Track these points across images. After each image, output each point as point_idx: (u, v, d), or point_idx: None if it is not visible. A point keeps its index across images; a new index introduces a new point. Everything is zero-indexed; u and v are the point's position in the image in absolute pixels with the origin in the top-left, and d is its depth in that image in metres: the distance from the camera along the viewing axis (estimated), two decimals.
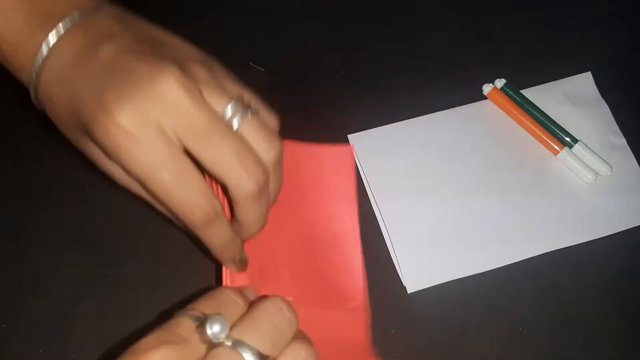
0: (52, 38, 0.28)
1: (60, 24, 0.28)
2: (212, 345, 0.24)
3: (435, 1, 0.49)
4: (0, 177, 0.42)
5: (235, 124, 0.27)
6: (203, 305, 0.26)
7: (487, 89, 0.45)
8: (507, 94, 0.45)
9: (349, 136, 0.44)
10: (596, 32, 0.48)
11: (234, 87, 0.29)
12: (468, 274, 0.40)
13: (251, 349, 0.24)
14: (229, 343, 0.24)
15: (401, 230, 0.41)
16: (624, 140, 0.44)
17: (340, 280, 0.37)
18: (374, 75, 0.46)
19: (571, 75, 0.46)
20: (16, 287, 0.38)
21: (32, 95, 0.29)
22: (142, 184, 0.27)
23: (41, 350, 0.37)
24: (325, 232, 0.38)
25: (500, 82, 0.45)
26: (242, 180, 0.27)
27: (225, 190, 0.28)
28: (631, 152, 0.44)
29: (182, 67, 0.27)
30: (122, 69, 0.27)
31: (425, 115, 0.44)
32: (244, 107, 0.28)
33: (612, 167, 0.42)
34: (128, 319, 0.38)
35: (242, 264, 0.33)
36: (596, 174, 0.42)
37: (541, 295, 0.39)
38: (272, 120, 0.31)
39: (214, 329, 0.24)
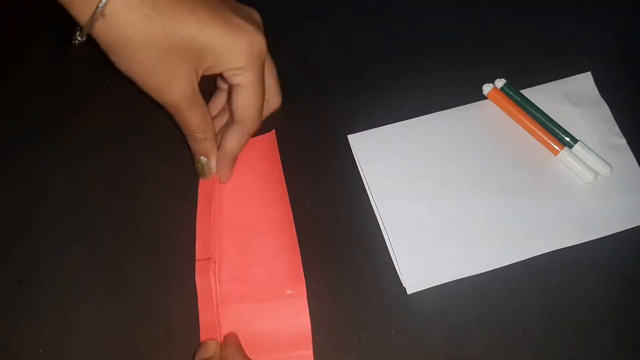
0: None
1: None
2: None
3: (435, 1, 0.49)
4: None
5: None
6: None
7: (487, 89, 0.45)
8: (507, 94, 0.45)
9: (349, 136, 0.44)
10: (596, 32, 0.48)
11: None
12: (468, 275, 0.40)
13: None
14: None
15: (401, 231, 0.41)
16: (624, 140, 0.44)
17: (278, 268, 0.38)
18: (374, 75, 0.46)
19: (571, 75, 0.46)
20: (16, 287, 0.38)
21: (87, 29, 0.31)
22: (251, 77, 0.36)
23: (41, 350, 0.37)
24: (260, 221, 0.40)
25: (500, 82, 0.45)
26: (278, 101, 0.42)
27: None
28: (631, 152, 0.44)
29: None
30: (216, 11, 0.33)
31: (425, 115, 0.44)
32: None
33: (612, 167, 0.42)
34: (128, 319, 0.38)
35: (208, 168, 0.40)
36: (596, 174, 0.42)
37: (541, 296, 0.39)
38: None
39: None
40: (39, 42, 0.46)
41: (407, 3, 0.49)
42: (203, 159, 0.39)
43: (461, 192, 0.42)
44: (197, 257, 0.39)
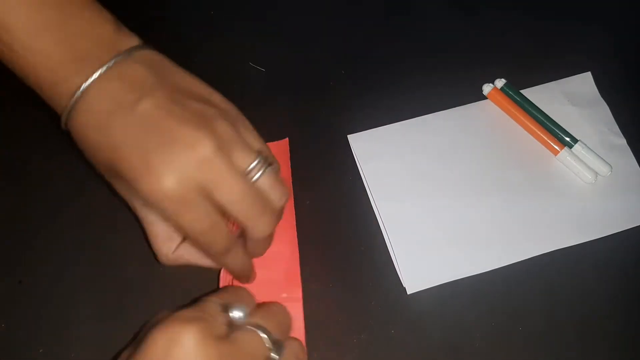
0: (88, 83, 0.30)
1: (97, 72, 0.30)
2: (232, 327, 0.29)
3: (435, 1, 0.49)
4: (0, 177, 0.42)
5: (256, 177, 0.32)
6: (224, 295, 0.32)
7: (487, 89, 0.45)
8: (507, 94, 0.45)
9: (349, 136, 0.44)
10: (596, 32, 0.48)
11: (256, 141, 0.33)
12: (468, 275, 0.40)
13: (267, 332, 0.29)
14: (249, 326, 0.29)
15: (401, 231, 0.41)
16: (624, 140, 0.44)
17: (275, 270, 0.38)
18: (374, 75, 0.46)
19: (571, 75, 0.46)
20: (16, 287, 0.38)
21: (62, 125, 0.32)
22: (178, 229, 0.33)
23: (41, 350, 0.37)
24: None
25: (500, 82, 0.45)
26: (261, 229, 0.32)
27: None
28: (631, 152, 0.44)
29: (213, 126, 0.30)
30: (162, 128, 0.30)
31: (425, 115, 0.45)
32: (265, 163, 0.32)
33: (612, 167, 0.42)
34: (128, 319, 0.38)
35: (251, 275, 0.38)
36: (596, 174, 0.42)
37: (541, 295, 0.39)
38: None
39: (236, 314, 0.30)
40: None
41: (407, 3, 0.49)
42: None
43: (461, 192, 0.42)
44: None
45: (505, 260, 0.40)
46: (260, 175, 0.32)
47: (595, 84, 0.46)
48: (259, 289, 0.37)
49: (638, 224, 0.41)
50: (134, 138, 0.30)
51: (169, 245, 0.36)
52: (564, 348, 0.38)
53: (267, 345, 0.29)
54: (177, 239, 0.37)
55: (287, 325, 0.33)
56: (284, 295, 0.38)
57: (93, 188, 0.41)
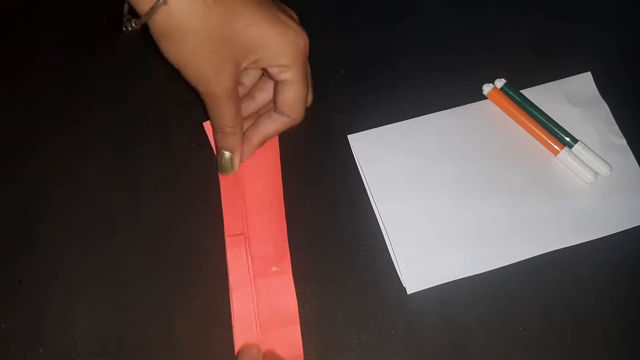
0: None
1: None
2: None
3: (435, 1, 0.49)
4: None
5: None
6: None
7: (487, 89, 0.45)
8: (507, 94, 0.45)
9: (349, 136, 0.44)
10: (596, 32, 0.48)
11: None
12: (468, 275, 0.40)
13: None
14: None
15: (401, 231, 0.41)
16: (624, 140, 0.44)
17: (265, 246, 0.40)
18: (374, 75, 0.46)
19: (571, 75, 0.46)
20: (16, 287, 0.38)
21: (149, 15, 0.32)
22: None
23: (41, 350, 0.37)
24: (255, 202, 0.41)
25: (500, 82, 0.45)
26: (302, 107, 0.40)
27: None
28: (631, 152, 0.44)
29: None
30: (267, 9, 0.35)
31: (425, 115, 0.44)
32: None
33: (612, 167, 0.42)
34: (128, 319, 0.38)
35: (227, 162, 0.40)
36: (596, 174, 0.42)
37: (541, 295, 0.39)
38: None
39: None
40: (43, 39, 0.46)
41: (407, 3, 0.49)
42: (227, 154, 0.40)
43: (461, 192, 0.42)
44: (227, 234, 0.40)
45: (505, 260, 0.40)
46: None
47: (595, 84, 0.46)
48: (250, 264, 0.39)
49: (638, 224, 0.41)
50: (258, 4, 0.34)
51: None
52: (564, 348, 0.38)
53: None
54: None
55: None
56: (274, 268, 0.39)
57: (93, 188, 0.42)
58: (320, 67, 0.46)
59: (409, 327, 0.38)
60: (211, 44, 0.33)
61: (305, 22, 0.44)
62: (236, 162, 0.40)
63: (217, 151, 0.40)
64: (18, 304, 0.38)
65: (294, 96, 0.38)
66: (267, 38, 0.35)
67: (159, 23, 0.32)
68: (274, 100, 0.39)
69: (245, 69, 0.36)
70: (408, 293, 0.39)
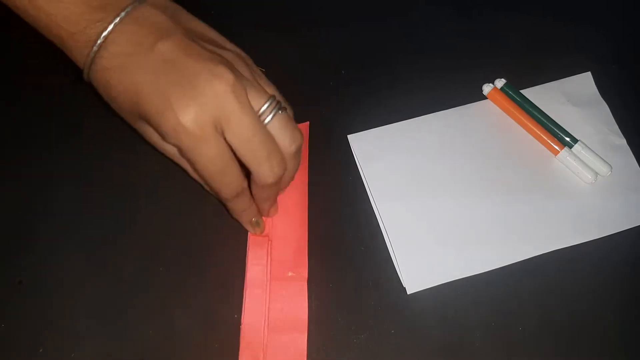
0: (109, 29, 0.31)
1: (117, 18, 0.31)
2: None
3: (435, 1, 0.49)
4: (0, 177, 0.42)
5: (268, 119, 0.33)
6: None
7: (487, 89, 0.45)
8: (507, 94, 0.45)
9: (349, 136, 0.44)
10: (596, 32, 0.48)
11: (269, 87, 0.35)
12: (468, 275, 0.40)
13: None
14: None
15: (401, 231, 0.41)
16: (624, 140, 0.44)
17: (285, 250, 0.40)
18: (374, 75, 0.46)
19: (571, 75, 0.46)
20: (16, 287, 0.38)
21: (85, 76, 0.33)
22: (192, 166, 0.33)
23: (41, 350, 0.37)
24: (281, 204, 0.41)
25: (500, 82, 0.45)
26: (266, 174, 0.33)
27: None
28: (631, 152, 0.44)
29: (230, 64, 0.32)
30: (180, 67, 0.31)
31: (425, 115, 0.44)
32: (277, 106, 0.33)
33: (612, 167, 0.42)
34: (128, 319, 0.38)
35: (257, 226, 0.39)
36: (596, 174, 0.42)
37: (541, 295, 0.39)
38: (291, 114, 0.36)
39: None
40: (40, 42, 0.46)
41: (407, 3, 0.49)
42: (254, 220, 0.39)
43: (461, 192, 0.42)
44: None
45: (505, 260, 0.40)
46: (272, 118, 0.33)
47: (595, 84, 0.46)
48: (270, 267, 0.39)
49: (638, 224, 0.41)
50: (154, 77, 0.31)
51: None
52: (564, 348, 0.38)
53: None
54: None
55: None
56: (290, 274, 0.39)
57: (93, 188, 0.42)
58: (320, 67, 0.46)
59: (409, 327, 0.38)
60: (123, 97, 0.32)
61: (305, 22, 0.44)
62: (261, 223, 0.39)
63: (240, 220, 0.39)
64: (18, 304, 0.38)
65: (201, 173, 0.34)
66: (148, 108, 0.32)
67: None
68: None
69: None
70: (408, 293, 0.39)
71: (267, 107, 0.33)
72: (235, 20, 0.48)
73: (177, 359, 0.37)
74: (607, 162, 0.42)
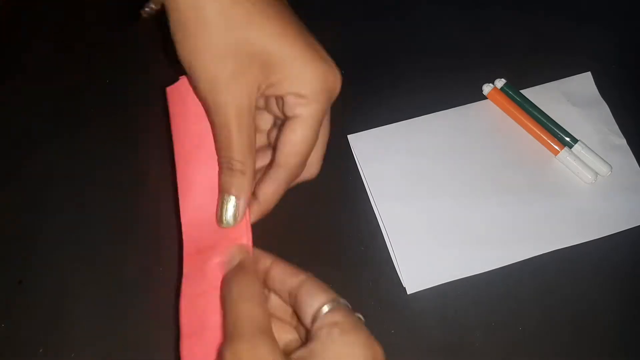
0: None
1: None
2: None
3: (435, 1, 0.49)
4: (0, 177, 0.42)
5: None
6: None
7: (487, 89, 0.45)
8: (507, 94, 0.45)
9: (349, 136, 0.44)
10: (596, 32, 0.48)
11: None
12: (468, 275, 0.40)
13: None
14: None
15: (401, 231, 0.41)
16: (624, 140, 0.44)
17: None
18: (374, 75, 0.46)
19: (571, 75, 0.46)
20: (16, 287, 0.38)
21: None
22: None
23: (41, 350, 0.37)
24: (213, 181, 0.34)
25: (500, 82, 0.45)
26: (299, 159, 0.32)
27: None
28: (631, 152, 0.44)
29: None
30: (302, 34, 0.30)
31: (425, 115, 0.44)
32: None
33: (612, 167, 0.42)
34: (128, 319, 0.38)
35: (234, 213, 0.32)
36: (596, 174, 0.42)
37: (541, 295, 0.39)
38: None
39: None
40: (41, 41, 0.46)
41: (407, 3, 0.49)
42: (233, 198, 0.31)
43: (461, 192, 0.42)
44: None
45: (505, 260, 0.40)
46: None
47: (595, 84, 0.46)
48: (210, 243, 0.33)
49: (638, 224, 0.41)
50: (287, 23, 0.30)
51: None
52: (564, 348, 0.38)
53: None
54: None
55: None
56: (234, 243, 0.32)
57: (94, 189, 0.42)
58: None
59: (409, 327, 0.38)
60: (229, 45, 0.29)
61: (305, 22, 0.44)
62: (241, 209, 0.32)
63: (220, 195, 0.32)
64: (18, 304, 0.38)
65: (297, 138, 0.31)
66: (288, 59, 0.29)
67: (178, 11, 0.28)
68: (274, 145, 0.33)
69: (264, 96, 0.31)
70: (408, 293, 0.39)
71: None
72: None
73: (176, 359, 0.37)
74: (607, 162, 0.42)
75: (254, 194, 0.33)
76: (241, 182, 0.31)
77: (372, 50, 0.47)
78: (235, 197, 0.32)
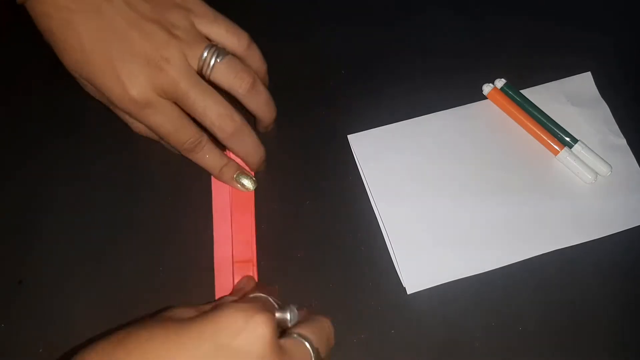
0: None
1: None
2: (280, 329, 0.29)
3: (435, 1, 0.49)
4: (0, 177, 0.42)
5: (208, 71, 0.36)
6: (272, 295, 0.32)
7: (487, 89, 0.45)
8: (507, 94, 0.45)
9: (349, 136, 0.44)
10: (596, 32, 0.48)
11: (213, 29, 0.37)
12: (468, 275, 0.40)
13: (312, 345, 0.29)
14: (295, 335, 0.29)
15: (401, 231, 0.41)
16: (624, 140, 0.44)
17: (234, 240, 0.40)
18: (374, 75, 0.46)
19: (571, 75, 0.46)
20: (16, 287, 0.38)
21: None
22: (148, 128, 0.38)
23: (41, 350, 0.37)
24: (227, 197, 0.41)
25: (500, 82, 0.45)
26: (218, 128, 0.36)
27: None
28: (631, 152, 0.44)
29: (168, 28, 0.35)
30: (123, 36, 0.34)
31: (425, 115, 0.44)
32: (215, 54, 0.35)
33: (612, 167, 0.42)
34: (128, 319, 0.38)
35: (242, 182, 0.40)
36: (596, 174, 0.42)
37: (541, 296, 0.39)
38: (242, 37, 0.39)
39: (291, 316, 0.30)
40: (41, 41, 0.46)
41: (407, 3, 0.49)
42: (236, 176, 0.39)
43: (461, 192, 0.42)
44: (235, 260, 0.39)
45: (505, 260, 0.40)
46: (212, 69, 0.35)
47: (595, 84, 0.46)
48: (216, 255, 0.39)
49: (638, 224, 0.41)
50: (100, 43, 0.34)
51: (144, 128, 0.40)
52: (564, 348, 0.38)
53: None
54: None
55: (331, 341, 0.32)
56: (239, 259, 0.39)
57: (93, 189, 0.42)
58: (320, 67, 0.46)
59: (409, 327, 0.38)
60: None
61: (306, 22, 0.44)
62: (248, 180, 0.40)
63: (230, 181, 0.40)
64: (18, 304, 0.38)
65: (256, 105, 0.38)
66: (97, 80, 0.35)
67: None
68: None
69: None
70: (408, 293, 0.39)
71: (205, 57, 0.35)
72: (235, 20, 0.48)
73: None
74: (607, 162, 0.42)
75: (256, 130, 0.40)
76: (212, 159, 0.39)
77: (372, 50, 0.47)
78: (228, 178, 0.39)
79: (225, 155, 0.40)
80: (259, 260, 0.40)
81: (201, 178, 0.42)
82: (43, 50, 0.46)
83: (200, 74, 0.36)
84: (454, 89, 0.45)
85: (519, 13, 0.49)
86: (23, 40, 0.46)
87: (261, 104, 0.39)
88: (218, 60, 0.35)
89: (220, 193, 0.41)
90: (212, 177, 0.41)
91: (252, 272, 0.39)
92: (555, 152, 0.43)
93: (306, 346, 0.29)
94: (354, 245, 0.40)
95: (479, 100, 0.45)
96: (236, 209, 0.40)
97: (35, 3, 0.33)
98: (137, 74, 0.34)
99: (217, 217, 0.40)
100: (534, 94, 0.45)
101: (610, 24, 0.48)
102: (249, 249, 0.39)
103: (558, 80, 0.46)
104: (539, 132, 0.43)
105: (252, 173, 0.41)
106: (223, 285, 0.38)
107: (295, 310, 0.31)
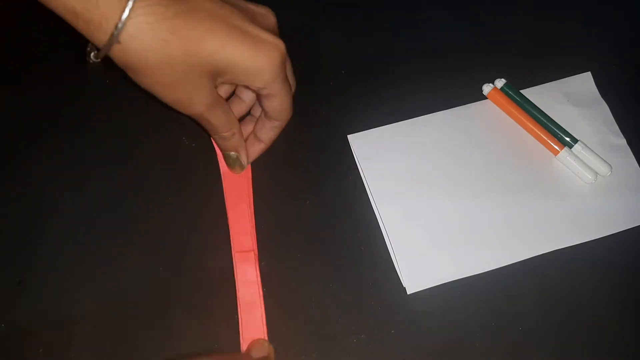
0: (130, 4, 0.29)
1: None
2: None
3: (435, 1, 0.49)
4: (0, 177, 0.42)
5: None
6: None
7: (487, 89, 0.45)
8: (507, 94, 0.45)
9: (349, 136, 0.44)
10: (596, 32, 0.48)
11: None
12: (468, 275, 0.40)
13: None
14: None
15: (401, 231, 0.41)
16: (624, 140, 0.44)
17: (233, 232, 0.40)
18: (374, 75, 0.46)
19: (571, 75, 0.46)
20: (16, 287, 0.38)
21: (102, 53, 0.31)
22: (269, 102, 0.38)
23: (41, 350, 0.37)
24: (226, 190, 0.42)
25: (500, 82, 0.45)
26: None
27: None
28: (631, 152, 0.44)
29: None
30: (233, 26, 0.33)
31: (425, 115, 0.44)
32: None
33: (612, 167, 0.42)
34: (128, 319, 0.38)
35: (237, 163, 0.41)
36: (596, 174, 0.42)
37: (541, 296, 0.39)
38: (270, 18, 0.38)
39: None
40: (41, 41, 0.46)
41: (407, 3, 0.49)
42: (233, 154, 0.40)
43: (461, 192, 0.42)
44: (235, 250, 0.40)
45: (505, 260, 0.40)
46: None
47: (595, 84, 0.46)
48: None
49: (638, 224, 0.41)
50: (223, 24, 0.32)
51: None
52: (563, 348, 0.38)
53: None
54: None
55: None
56: (240, 249, 0.40)
57: (94, 189, 0.42)
58: (320, 67, 0.46)
59: (409, 327, 0.38)
60: (176, 75, 0.32)
61: (306, 22, 0.44)
62: (243, 159, 0.40)
63: (222, 153, 0.41)
64: (18, 304, 0.38)
65: (279, 106, 0.38)
66: (239, 59, 0.33)
67: (118, 58, 0.31)
68: (261, 107, 0.39)
69: (223, 83, 0.36)
70: (408, 293, 0.39)
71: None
72: None
73: (177, 358, 0.37)
74: (607, 162, 0.42)
75: (257, 138, 0.41)
76: (233, 142, 0.39)
77: (372, 50, 0.47)
78: (235, 152, 0.40)
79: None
80: (259, 260, 0.40)
81: (202, 178, 0.42)
82: (45, 53, 0.46)
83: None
84: (454, 89, 0.45)
85: (519, 13, 0.49)
86: (25, 43, 0.46)
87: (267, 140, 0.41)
88: None
89: (231, 188, 0.42)
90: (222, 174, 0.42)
91: (254, 261, 0.39)
92: (555, 152, 0.43)
93: None
94: (354, 245, 0.40)
95: (479, 100, 0.45)
96: (233, 200, 0.41)
97: (127, 41, 0.31)
98: (278, 49, 0.35)
99: (228, 210, 0.41)
100: (534, 94, 0.45)
101: (610, 24, 0.48)
102: (249, 239, 0.40)
103: (558, 80, 0.46)
104: (539, 132, 0.43)
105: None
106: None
107: None
